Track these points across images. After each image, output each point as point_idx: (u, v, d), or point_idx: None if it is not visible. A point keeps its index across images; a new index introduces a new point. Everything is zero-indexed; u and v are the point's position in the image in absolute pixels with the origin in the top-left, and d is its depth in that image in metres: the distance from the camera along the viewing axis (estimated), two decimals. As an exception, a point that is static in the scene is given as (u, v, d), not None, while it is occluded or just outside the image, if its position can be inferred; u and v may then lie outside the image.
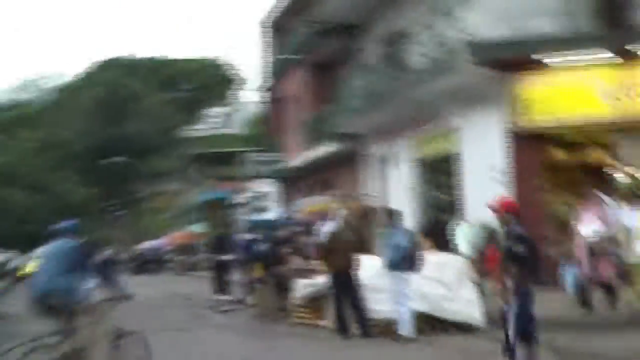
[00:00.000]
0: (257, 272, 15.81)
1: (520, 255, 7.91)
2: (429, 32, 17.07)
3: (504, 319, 8.07)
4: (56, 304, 7.52)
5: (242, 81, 75.80)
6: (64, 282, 7.54)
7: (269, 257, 15.41)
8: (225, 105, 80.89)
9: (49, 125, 69.53)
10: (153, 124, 66.93)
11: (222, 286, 18.14)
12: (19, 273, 27.96)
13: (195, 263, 41.12)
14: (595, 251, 11.82)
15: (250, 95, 53.89)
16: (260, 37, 32.40)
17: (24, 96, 79.72)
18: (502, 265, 8.22)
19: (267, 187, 33.13)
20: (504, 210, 8.31)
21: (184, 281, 30.23)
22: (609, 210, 12.14)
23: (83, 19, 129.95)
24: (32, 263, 27.58)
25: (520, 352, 7.91)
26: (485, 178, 15.41)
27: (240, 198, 38.07)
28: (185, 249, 44.33)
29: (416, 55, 17.75)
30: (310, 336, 12.41)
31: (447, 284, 12.21)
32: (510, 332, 7.90)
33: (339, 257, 12.31)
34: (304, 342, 11.98)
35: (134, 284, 13.08)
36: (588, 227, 12.00)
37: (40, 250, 9.77)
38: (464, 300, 12.07)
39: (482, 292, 12.21)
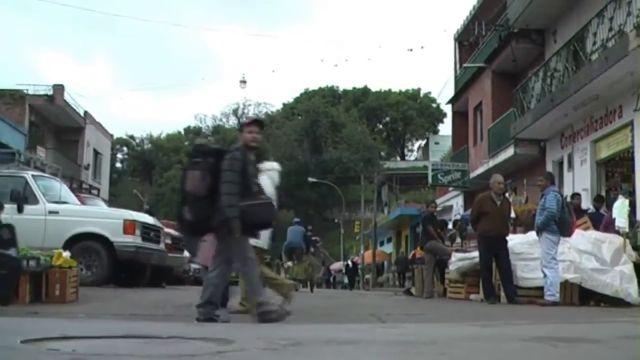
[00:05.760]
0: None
1: None
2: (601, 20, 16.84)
3: None
4: None
5: (442, 114, 76.10)
6: None
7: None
8: (424, 137, 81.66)
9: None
10: (353, 153, 68.59)
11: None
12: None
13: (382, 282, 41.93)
14: None
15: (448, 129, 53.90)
16: (453, 52, 32.87)
17: (229, 122, 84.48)
18: None
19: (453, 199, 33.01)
20: None
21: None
22: None
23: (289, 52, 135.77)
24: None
25: None
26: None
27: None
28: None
29: (591, 47, 17.52)
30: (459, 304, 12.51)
31: (602, 259, 11.96)
32: None
33: (493, 221, 12.35)
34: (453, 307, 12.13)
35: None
36: None
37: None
38: (618, 276, 11.75)
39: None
